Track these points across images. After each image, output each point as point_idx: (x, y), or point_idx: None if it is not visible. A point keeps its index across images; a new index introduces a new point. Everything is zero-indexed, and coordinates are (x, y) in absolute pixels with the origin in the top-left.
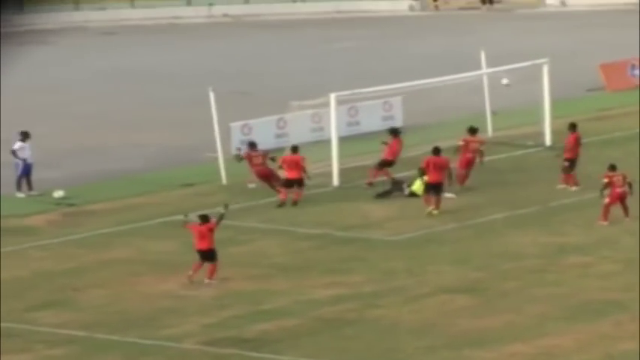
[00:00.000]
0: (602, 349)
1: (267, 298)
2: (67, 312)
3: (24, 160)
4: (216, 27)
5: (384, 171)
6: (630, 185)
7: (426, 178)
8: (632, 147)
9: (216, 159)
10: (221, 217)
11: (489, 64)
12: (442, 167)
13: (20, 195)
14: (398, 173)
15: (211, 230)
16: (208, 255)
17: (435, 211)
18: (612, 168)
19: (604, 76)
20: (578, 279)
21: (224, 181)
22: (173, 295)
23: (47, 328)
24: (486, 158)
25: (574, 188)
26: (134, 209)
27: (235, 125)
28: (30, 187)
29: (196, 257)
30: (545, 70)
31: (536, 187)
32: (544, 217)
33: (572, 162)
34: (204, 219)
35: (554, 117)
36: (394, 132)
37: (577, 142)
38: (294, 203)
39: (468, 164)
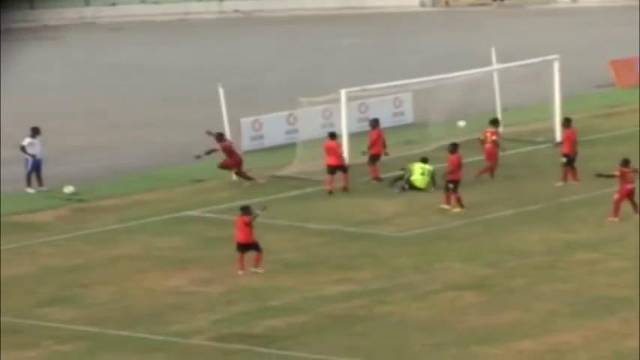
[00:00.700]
0: (610, 346)
1: (275, 294)
2: (74, 308)
3: (33, 156)
4: (227, 23)
5: (377, 167)
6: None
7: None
8: None
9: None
10: (255, 216)
11: (500, 61)
12: (460, 164)
13: (30, 191)
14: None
15: (247, 224)
16: (246, 247)
17: (457, 209)
18: (625, 163)
19: (614, 72)
20: (587, 276)
21: (233, 176)
22: (180, 291)
23: (56, 324)
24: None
25: (560, 183)
26: (143, 205)
27: (246, 121)
28: (40, 182)
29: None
30: (556, 66)
31: (546, 184)
32: (553, 214)
33: (570, 158)
34: (245, 210)
35: (564, 113)
36: (373, 124)
37: (574, 138)
38: (345, 189)
39: (487, 155)
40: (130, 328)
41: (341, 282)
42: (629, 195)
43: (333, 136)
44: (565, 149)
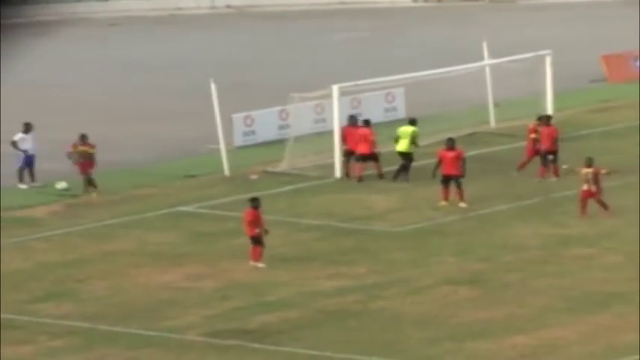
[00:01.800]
0: (604, 340)
1: (269, 289)
2: (69, 303)
3: (25, 152)
4: (219, 18)
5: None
6: (608, 173)
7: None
8: (634, 138)
9: (218, 150)
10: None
11: (492, 56)
12: (458, 158)
13: (22, 186)
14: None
15: (252, 217)
16: (251, 240)
17: (463, 204)
18: (587, 162)
19: (606, 67)
20: (581, 271)
21: (226, 172)
22: (174, 286)
23: (49, 320)
24: (489, 149)
25: (554, 179)
26: (136, 200)
27: (237, 116)
28: (33, 178)
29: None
30: (548, 61)
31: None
32: (546, 209)
33: (551, 154)
34: (254, 202)
35: (557, 108)
36: (354, 121)
37: (555, 135)
38: (380, 176)
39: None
40: (123, 323)
41: (335, 277)
42: (583, 196)
43: (367, 123)
44: (547, 146)
